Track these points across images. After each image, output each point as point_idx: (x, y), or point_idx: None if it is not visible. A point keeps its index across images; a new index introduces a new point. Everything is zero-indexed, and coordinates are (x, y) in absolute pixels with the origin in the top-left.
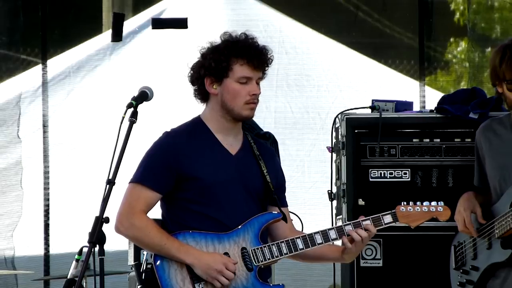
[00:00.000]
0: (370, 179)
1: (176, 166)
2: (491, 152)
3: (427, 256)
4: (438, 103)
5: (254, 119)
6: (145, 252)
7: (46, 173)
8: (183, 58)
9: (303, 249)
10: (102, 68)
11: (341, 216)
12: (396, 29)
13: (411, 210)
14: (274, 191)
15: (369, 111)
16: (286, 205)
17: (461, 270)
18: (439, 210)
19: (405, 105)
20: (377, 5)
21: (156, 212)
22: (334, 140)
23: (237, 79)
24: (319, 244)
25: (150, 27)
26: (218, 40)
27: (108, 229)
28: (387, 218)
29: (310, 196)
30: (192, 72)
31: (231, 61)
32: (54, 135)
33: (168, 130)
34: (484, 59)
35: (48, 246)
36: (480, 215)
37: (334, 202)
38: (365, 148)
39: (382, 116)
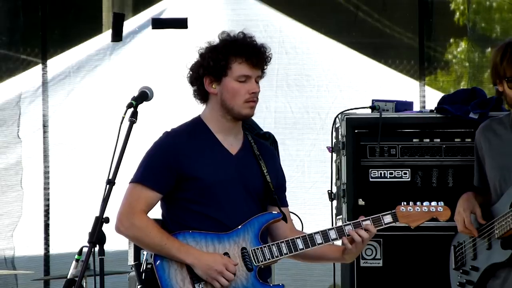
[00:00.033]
0: (370, 179)
1: (176, 166)
2: (491, 152)
3: (427, 256)
4: (438, 103)
5: (254, 119)
6: (145, 252)
7: (46, 173)
8: (183, 58)
9: (303, 249)
10: (102, 68)
11: (341, 216)
12: (396, 29)
13: (411, 210)
14: (274, 191)
15: (369, 111)
16: (286, 205)
17: (461, 270)
18: (439, 210)
19: (405, 105)
20: (377, 5)
21: (156, 212)
22: (334, 140)
23: (236, 78)
24: (319, 244)
25: (150, 27)
26: (216, 40)
27: (108, 229)
28: (387, 218)
29: (310, 196)
30: (191, 72)
31: (230, 59)
32: (54, 135)
33: (168, 130)
34: (484, 59)
35: (48, 246)
36: (480, 215)
37: (334, 202)
38: (365, 148)
39: (382, 116)
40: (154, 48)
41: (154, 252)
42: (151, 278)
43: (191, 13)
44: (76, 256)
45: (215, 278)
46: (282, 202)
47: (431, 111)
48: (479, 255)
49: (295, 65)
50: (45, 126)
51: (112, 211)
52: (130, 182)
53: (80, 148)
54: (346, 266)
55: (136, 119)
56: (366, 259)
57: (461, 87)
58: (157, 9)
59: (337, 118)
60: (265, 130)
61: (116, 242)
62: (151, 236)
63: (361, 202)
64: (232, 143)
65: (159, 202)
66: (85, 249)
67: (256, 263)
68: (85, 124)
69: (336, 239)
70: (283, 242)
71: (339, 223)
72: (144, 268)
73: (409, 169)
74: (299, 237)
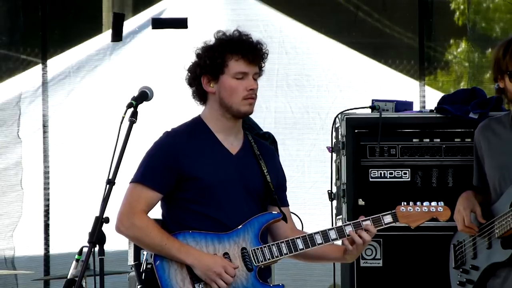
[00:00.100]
0: (370, 179)
1: (176, 166)
2: (490, 151)
3: (427, 256)
4: (438, 103)
5: (254, 119)
6: (145, 252)
7: (46, 173)
8: (183, 58)
9: (303, 249)
10: (102, 68)
11: (341, 216)
12: (396, 29)
13: (411, 210)
14: (274, 191)
15: (369, 111)
16: (287, 205)
17: (461, 269)
18: (439, 210)
19: (405, 105)
20: (377, 5)
21: (156, 212)
22: (334, 140)
23: (233, 75)
24: (319, 244)
25: (150, 27)
26: (212, 40)
27: (108, 229)
28: (387, 218)
29: (310, 196)
30: (189, 73)
31: (226, 57)
32: (54, 135)
33: (169, 130)
34: (484, 59)
35: (48, 246)
36: (480, 214)
37: (334, 202)
38: (365, 148)
39: (382, 116)
40: (154, 48)
41: (154, 252)
42: (151, 278)
43: (191, 13)
44: (76, 256)
45: (213, 280)
46: (282, 202)
47: (431, 111)
48: (479, 254)
49: (295, 65)
50: (45, 126)
51: (112, 211)
52: (130, 182)
53: (80, 148)
54: (346, 266)
55: (136, 119)
56: (366, 259)
57: (461, 87)
58: (157, 9)
59: (337, 118)
60: (265, 130)
61: (116, 242)
62: (151, 236)
63: (361, 202)
64: (232, 142)
65: (159, 202)
66: (85, 249)
67: (256, 263)
68: (85, 124)
69: (336, 239)
70: (283, 242)
71: (339, 223)
72: (144, 268)
73: (409, 169)
74: (299, 237)
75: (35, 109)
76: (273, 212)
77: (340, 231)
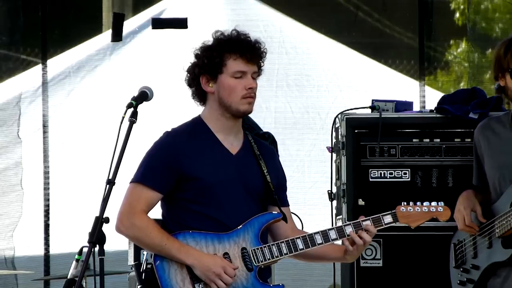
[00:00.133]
0: (370, 179)
1: (176, 166)
2: (490, 151)
3: (427, 256)
4: (438, 103)
5: (254, 119)
6: (145, 252)
7: (46, 173)
8: (183, 58)
9: (303, 249)
10: (102, 68)
11: (341, 216)
12: (396, 29)
13: (411, 210)
14: (274, 191)
15: (369, 111)
16: (287, 205)
17: (461, 269)
18: (439, 210)
19: (405, 105)
20: (377, 5)
21: (156, 212)
22: (334, 140)
23: (231, 74)
24: (319, 244)
25: (150, 27)
26: (211, 40)
27: (108, 229)
28: (387, 218)
29: (310, 196)
30: (188, 74)
31: (224, 56)
32: (54, 135)
33: (169, 130)
34: (484, 59)
35: (48, 246)
36: (480, 213)
37: (334, 202)
38: (365, 148)
39: (382, 116)
40: (154, 48)
41: (154, 252)
42: (151, 278)
43: (191, 13)
44: (76, 256)
45: (213, 281)
46: (282, 202)
47: (431, 111)
48: (480, 253)
49: (295, 65)
50: (45, 126)
51: (112, 211)
52: (130, 182)
53: (80, 148)
54: (346, 266)
55: (136, 119)
56: (366, 259)
57: (461, 87)
58: (157, 9)
59: (337, 118)
60: (265, 130)
61: (116, 242)
62: (151, 236)
63: (361, 202)
64: (232, 142)
65: (159, 202)
66: (85, 249)
67: (256, 263)
68: (85, 124)
69: (336, 239)
70: (283, 242)
71: (339, 223)
72: (144, 268)
73: (409, 169)
74: (299, 237)
75: (35, 109)
76: (273, 212)
77: (340, 231)
